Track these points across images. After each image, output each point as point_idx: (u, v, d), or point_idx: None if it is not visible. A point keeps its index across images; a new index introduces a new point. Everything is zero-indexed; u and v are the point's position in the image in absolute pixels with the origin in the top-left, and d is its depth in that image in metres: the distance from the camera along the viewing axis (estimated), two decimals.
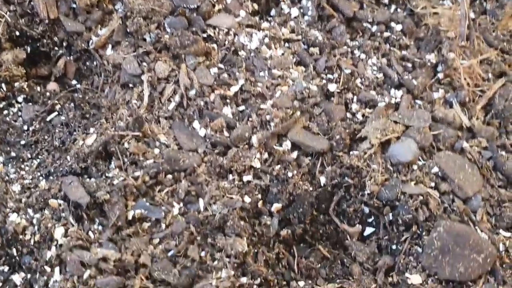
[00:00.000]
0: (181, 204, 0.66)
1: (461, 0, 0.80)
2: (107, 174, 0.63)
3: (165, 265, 0.61)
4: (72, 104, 0.73)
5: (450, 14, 0.85)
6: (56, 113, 0.72)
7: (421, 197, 0.69)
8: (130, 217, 0.61)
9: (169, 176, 0.66)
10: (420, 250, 0.67)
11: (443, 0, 0.92)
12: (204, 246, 0.64)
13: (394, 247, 0.69)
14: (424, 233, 0.67)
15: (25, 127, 0.71)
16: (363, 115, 0.76)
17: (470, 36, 0.82)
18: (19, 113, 0.73)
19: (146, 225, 0.64)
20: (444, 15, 0.86)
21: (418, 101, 0.80)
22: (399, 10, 0.89)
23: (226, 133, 0.68)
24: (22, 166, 0.68)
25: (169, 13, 0.77)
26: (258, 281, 0.64)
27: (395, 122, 0.75)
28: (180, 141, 0.67)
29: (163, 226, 0.64)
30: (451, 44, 0.83)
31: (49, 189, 0.62)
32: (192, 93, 0.71)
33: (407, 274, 0.65)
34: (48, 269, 0.59)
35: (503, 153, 0.78)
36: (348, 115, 0.78)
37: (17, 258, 0.61)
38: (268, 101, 0.71)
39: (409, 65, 0.84)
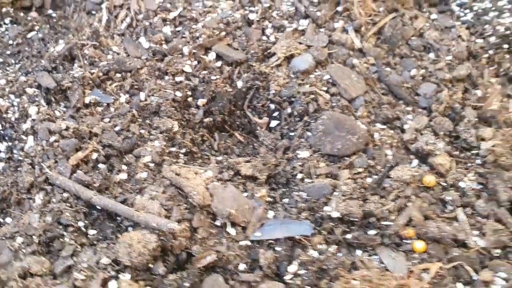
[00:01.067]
0: (127, 95, 0.85)
1: None
2: (70, 72, 0.82)
3: (112, 135, 0.80)
4: (47, 26, 0.91)
5: None
6: (35, 32, 0.90)
7: (312, 95, 0.88)
8: (87, 101, 0.80)
9: (118, 74, 0.85)
10: (309, 134, 0.86)
11: None
12: (143, 125, 0.83)
13: (291, 134, 0.88)
14: (312, 122, 0.86)
15: (10, 42, 0.90)
16: (275, 38, 0.94)
17: None
18: (6, 32, 0.91)
19: (99, 108, 0.83)
20: None
21: (321, 30, 0.98)
22: None
23: (164, 46, 0.87)
24: (8, 68, 0.86)
25: None
26: (184, 150, 0.84)
27: (299, 43, 0.94)
28: (128, 51, 0.85)
29: (112, 109, 0.83)
30: None
31: (27, 81, 0.81)
32: (140, 16, 0.89)
33: (298, 151, 0.84)
34: (24, 137, 0.78)
35: (388, 69, 0.97)
36: (263, 37, 0.96)
37: (1, 131, 0.80)
38: (199, 23, 0.90)
39: (315, 0, 1.00)
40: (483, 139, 0.90)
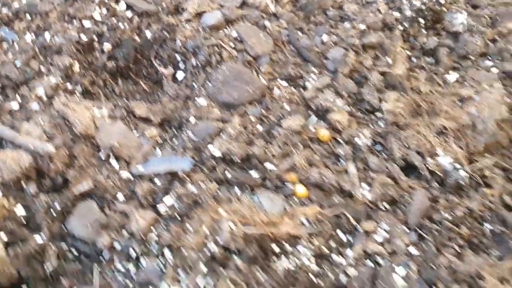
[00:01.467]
0: (33, 35, 0.89)
1: None
2: None
3: (10, 68, 0.84)
4: None
5: None
6: None
7: (216, 48, 0.90)
8: None
9: (28, 15, 0.89)
10: (210, 84, 0.88)
11: None
12: (43, 63, 0.87)
13: (194, 85, 0.91)
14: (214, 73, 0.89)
15: None
16: None
17: None
18: None
19: (4, 44, 0.87)
20: None
21: None
22: None
23: None
24: None
25: None
26: (80, 89, 0.86)
27: (212, 1, 0.98)
28: None
29: (17, 46, 0.87)
30: None
31: None
32: None
33: (196, 99, 0.87)
34: None
35: (300, 33, 1.00)
36: None
37: None
38: None
39: None
40: (386, 102, 0.92)
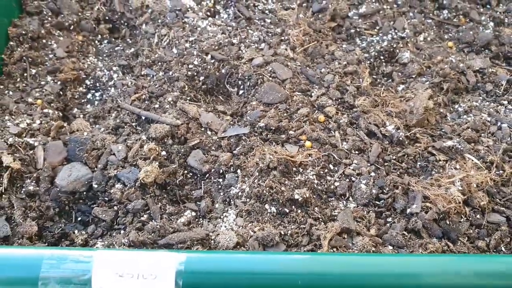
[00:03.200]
0: (162, 72, 1.55)
1: None
2: None
3: (153, 88, 1.50)
4: None
5: None
6: None
7: (260, 76, 1.56)
8: None
9: (159, 63, 1.57)
10: (257, 94, 1.53)
11: None
12: (169, 86, 1.51)
13: (249, 95, 1.55)
14: (260, 88, 1.53)
15: None
16: (247, 51, 1.65)
17: None
18: None
19: (148, 77, 1.53)
20: None
21: (271, 48, 1.68)
22: None
23: None
24: None
25: None
26: (189, 98, 1.52)
27: (257, 52, 1.64)
28: None
29: (154, 78, 1.53)
30: None
31: None
32: None
33: (250, 102, 1.51)
34: None
35: (308, 68, 1.64)
36: (239, 51, 1.67)
37: None
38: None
39: (270, 34, 1.78)
40: (358, 101, 1.53)
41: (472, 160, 1.30)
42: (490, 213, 1.19)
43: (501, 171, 1.29)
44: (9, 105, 1.36)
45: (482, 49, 1.65)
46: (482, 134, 1.39)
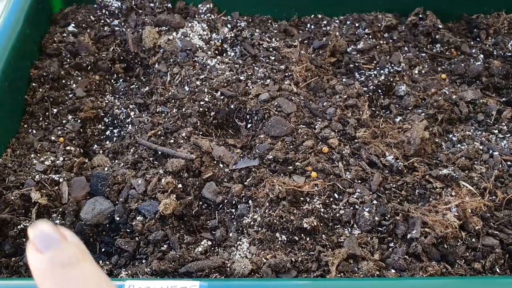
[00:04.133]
0: (176, 109, 1.67)
1: None
2: None
3: (167, 124, 1.60)
4: None
5: None
6: None
7: (267, 111, 1.67)
8: None
9: (173, 101, 1.68)
10: (264, 127, 1.64)
11: None
12: (183, 122, 1.62)
13: (257, 129, 1.66)
14: (267, 122, 1.64)
15: None
16: (253, 87, 1.77)
17: None
18: None
19: (163, 114, 1.64)
20: None
21: (276, 83, 1.80)
22: None
23: None
24: None
25: None
26: (201, 133, 1.62)
27: (263, 89, 1.76)
28: None
29: (169, 115, 1.64)
30: None
31: None
32: None
33: (258, 135, 1.62)
34: None
35: (311, 102, 1.76)
36: (247, 87, 1.79)
37: None
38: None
39: (275, 70, 1.91)
40: (359, 133, 1.64)
41: (467, 187, 1.40)
42: (484, 236, 1.27)
43: (493, 197, 1.39)
44: (33, 143, 1.46)
45: (474, 80, 1.77)
46: (475, 162, 1.49)
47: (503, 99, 1.64)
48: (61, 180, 1.33)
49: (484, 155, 1.50)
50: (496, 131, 1.57)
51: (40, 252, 0.50)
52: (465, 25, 1.94)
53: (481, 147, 1.52)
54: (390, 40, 1.88)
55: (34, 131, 1.51)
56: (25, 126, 1.53)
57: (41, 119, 1.55)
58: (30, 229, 0.51)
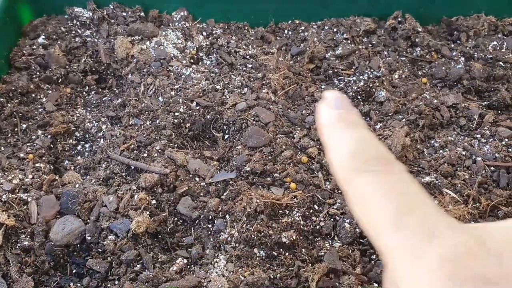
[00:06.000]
0: (150, 121, 1.63)
1: None
2: None
3: (141, 137, 1.56)
4: None
5: None
6: None
7: (244, 121, 1.64)
8: None
9: (147, 112, 1.64)
10: (242, 138, 1.60)
11: None
12: (157, 134, 1.59)
13: (234, 140, 1.62)
14: (244, 132, 1.61)
15: None
16: (230, 97, 1.73)
17: None
18: None
19: (136, 127, 1.60)
20: None
21: (253, 92, 1.77)
22: None
23: None
24: None
25: None
26: (176, 146, 1.58)
27: (240, 98, 1.73)
28: None
29: (142, 127, 1.60)
30: None
31: None
32: None
33: (236, 146, 1.58)
34: None
35: (289, 110, 1.72)
36: (223, 97, 1.76)
37: None
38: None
39: (252, 78, 1.88)
40: None
41: (450, 195, 1.37)
42: None
43: (477, 204, 1.36)
44: (1, 161, 1.41)
45: (455, 83, 1.75)
46: (458, 168, 1.47)
47: (485, 102, 1.63)
48: (29, 199, 1.29)
49: (467, 160, 1.48)
50: (478, 136, 1.55)
51: (333, 109, 0.59)
52: (445, 28, 1.92)
53: (463, 153, 1.50)
54: (369, 45, 1.86)
55: (2, 148, 1.46)
56: None
57: (9, 135, 1.50)
58: (326, 92, 0.62)
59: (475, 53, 1.85)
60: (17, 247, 1.23)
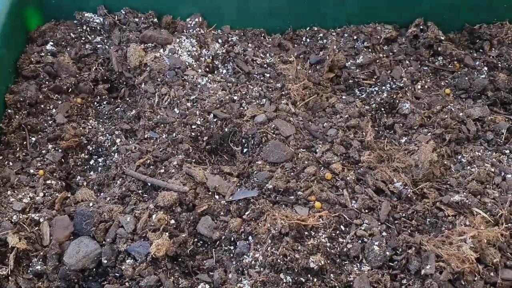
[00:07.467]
0: (166, 135, 1.54)
1: None
2: None
3: (157, 152, 1.48)
4: None
5: None
6: None
7: (264, 134, 1.56)
8: None
9: (163, 125, 1.56)
10: (262, 152, 1.53)
11: None
12: (173, 148, 1.50)
13: (254, 154, 1.55)
14: (264, 147, 1.53)
15: None
16: (247, 108, 1.67)
17: None
18: None
19: (151, 140, 1.52)
20: None
21: (272, 103, 1.70)
22: None
23: None
24: None
25: None
26: (194, 160, 1.51)
27: (259, 110, 1.66)
28: None
29: (158, 141, 1.52)
30: None
31: None
32: None
33: (256, 161, 1.51)
34: None
35: (310, 123, 1.65)
36: (241, 108, 1.69)
37: None
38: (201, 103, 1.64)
39: (271, 89, 1.81)
40: (363, 156, 1.54)
41: (481, 214, 1.31)
42: (503, 269, 1.20)
43: (509, 224, 1.31)
44: (10, 177, 1.34)
45: (479, 95, 1.69)
46: (487, 186, 1.41)
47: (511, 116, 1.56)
48: (41, 219, 1.22)
49: (496, 178, 1.42)
50: (507, 151, 1.49)
51: None
52: (467, 36, 1.86)
53: (492, 169, 1.44)
54: (390, 53, 1.79)
55: (11, 163, 1.39)
56: (0, 157, 1.41)
57: (18, 149, 1.43)
58: None
59: (498, 63, 1.79)
60: (29, 271, 1.17)
